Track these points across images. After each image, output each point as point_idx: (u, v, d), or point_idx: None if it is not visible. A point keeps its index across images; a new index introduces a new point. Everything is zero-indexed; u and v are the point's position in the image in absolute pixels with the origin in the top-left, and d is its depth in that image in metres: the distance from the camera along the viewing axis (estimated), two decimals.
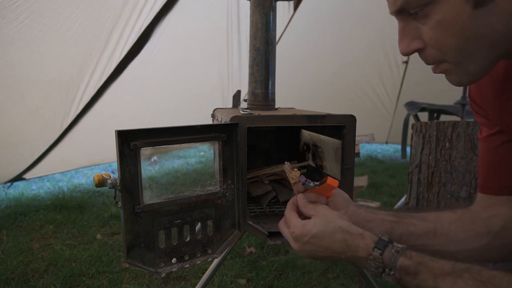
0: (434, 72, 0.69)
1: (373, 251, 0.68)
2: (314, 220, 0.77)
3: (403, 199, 2.58)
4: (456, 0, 0.57)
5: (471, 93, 0.85)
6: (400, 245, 0.68)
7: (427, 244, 0.81)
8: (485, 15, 0.57)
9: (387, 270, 0.66)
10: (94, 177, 0.92)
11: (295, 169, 0.95)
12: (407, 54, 0.67)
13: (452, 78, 0.67)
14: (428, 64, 0.68)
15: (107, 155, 3.36)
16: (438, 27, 0.60)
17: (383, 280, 0.69)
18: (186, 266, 1.09)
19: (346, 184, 1.27)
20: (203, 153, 4.72)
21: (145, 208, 0.99)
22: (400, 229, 0.81)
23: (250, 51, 1.44)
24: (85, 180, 3.59)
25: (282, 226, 0.86)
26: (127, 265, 1.76)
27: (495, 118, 0.80)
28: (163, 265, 1.05)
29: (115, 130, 0.91)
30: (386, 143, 4.74)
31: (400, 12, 0.63)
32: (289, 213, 0.83)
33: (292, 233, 0.80)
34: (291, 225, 0.80)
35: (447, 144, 1.59)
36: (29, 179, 3.15)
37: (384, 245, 0.68)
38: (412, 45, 0.65)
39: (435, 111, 2.71)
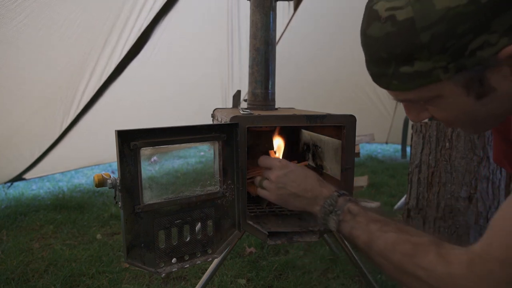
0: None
1: (334, 193, 0.86)
2: (294, 164, 0.98)
3: (403, 199, 2.58)
4: (459, 96, 0.59)
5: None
6: (354, 198, 0.84)
7: None
8: (488, 102, 0.59)
9: (335, 210, 0.82)
10: (94, 177, 0.93)
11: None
12: (418, 122, 0.74)
13: (465, 131, 0.75)
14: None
15: (107, 155, 3.35)
16: (444, 111, 0.64)
17: (327, 223, 0.84)
18: (186, 266, 1.09)
19: (346, 184, 1.27)
20: (203, 153, 4.72)
21: (145, 208, 0.99)
22: None
23: (250, 51, 1.44)
24: (85, 180, 3.59)
25: (264, 159, 1.03)
26: (127, 265, 1.76)
27: None
28: (163, 265, 1.05)
29: (115, 130, 0.91)
30: (386, 143, 4.74)
31: (401, 102, 0.69)
32: (265, 157, 1.03)
33: (279, 161, 0.98)
34: (276, 159, 1.01)
35: (447, 144, 1.59)
36: (29, 179, 3.15)
37: (342, 194, 0.86)
38: (421, 117, 0.69)
39: None
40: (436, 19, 0.53)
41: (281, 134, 1.68)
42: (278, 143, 1.50)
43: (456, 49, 0.54)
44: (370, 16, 0.61)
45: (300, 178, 0.93)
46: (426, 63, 0.57)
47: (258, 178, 1.06)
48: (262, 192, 1.02)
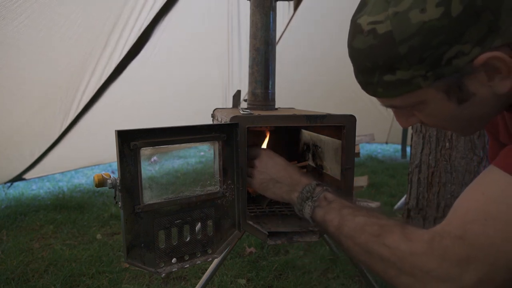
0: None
1: (312, 182, 0.92)
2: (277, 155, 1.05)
3: (403, 199, 2.58)
4: (441, 101, 0.64)
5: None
6: (330, 189, 0.90)
7: None
8: (470, 105, 0.63)
9: (312, 196, 0.88)
10: (94, 177, 0.93)
11: None
12: (407, 127, 0.76)
13: (456, 133, 0.76)
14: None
15: (107, 155, 3.35)
16: (430, 116, 0.68)
17: (303, 209, 0.89)
18: (186, 266, 1.09)
19: (346, 184, 1.27)
20: (203, 153, 4.72)
21: (145, 208, 0.99)
22: None
23: (250, 51, 1.44)
24: (85, 180, 3.59)
25: (251, 149, 1.08)
26: (127, 265, 1.76)
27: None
28: (163, 265, 1.05)
29: (115, 130, 0.91)
30: (386, 143, 4.74)
31: (388, 107, 0.73)
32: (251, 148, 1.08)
33: (265, 150, 1.05)
34: (262, 148, 1.07)
35: (447, 144, 1.59)
36: (29, 179, 3.15)
37: (321, 184, 0.91)
38: (410, 121, 0.73)
39: None
40: (412, 32, 0.58)
41: (272, 134, 1.69)
42: (265, 141, 1.54)
43: (432, 59, 0.58)
44: (355, 30, 0.66)
45: (282, 165, 1.01)
46: (407, 72, 0.61)
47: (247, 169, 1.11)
48: (248, 180, 1.08)
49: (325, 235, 1.76)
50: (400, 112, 0.73)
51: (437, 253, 0.61)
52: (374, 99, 0.74)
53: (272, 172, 1.01)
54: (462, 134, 0.78)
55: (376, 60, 0.62)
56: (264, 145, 1.53)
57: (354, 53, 0.67)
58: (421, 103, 0.65)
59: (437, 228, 0.65)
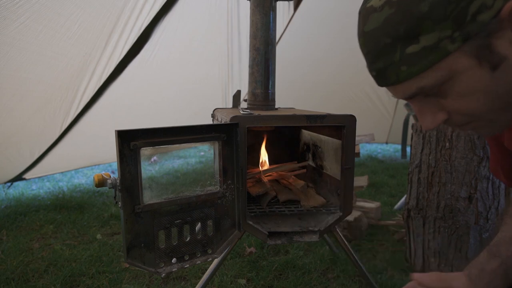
0: (462, 130, 0.69)
1: None
2: None
3: (403, 199, 2.58)
4: (473, 70, 0.57)
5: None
6: None
7: None
8: (504, 73, 0.57)
9: None
10: (94, 177, 0.93)
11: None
12: (433, 128, 0.66)
13: (483, 131, 0.67)
14: (455, 128, 0.68)
15: (107, 155, 3.36)
16: (461, 97, 0.60)
17: None
18: (186, 266, 1.09)
19: (346, 184, 1.28)
20: (203, 153, 4.72)
21: (145, 208, 0.99)
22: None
23: (250, 51, 1.45)
24: (85, 180, 3.59)
25: None
26: (127, 265, 1.76)
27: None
28: (163, 265, 1.05)
29: (115, 130, 0.91)
30: (386, 143, 4.74)
31: (413, 97, 0.63)
32: None
33: None
34: None
35: (447, 144, 1.59)
36: (29, 179, 3.15)
37: None
38: (437, 120, 0.64)
39: None
40: None
41: (273, 134, 1.68)
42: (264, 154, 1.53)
43: (457, 15, 0.54)
44: (367, 13, 0.60)
45: None
46: (432, 35, 0.55)
47: None
48: None
49: (325, 236, 1.77)
50: (425, 108, 0.64)
51: None
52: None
53: None
54: (494, 128, 0.66)
55: (396, 30, 0.57)
56: (263, 146, 1.53)
57: (369, 37, 0.61)
58: (451, 78, 0.58)
59: None
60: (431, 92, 0.61)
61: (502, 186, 1.58)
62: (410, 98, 0.63)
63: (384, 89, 0.67)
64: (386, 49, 0.59)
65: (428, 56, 0.57)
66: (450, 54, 0.56)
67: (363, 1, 0.63)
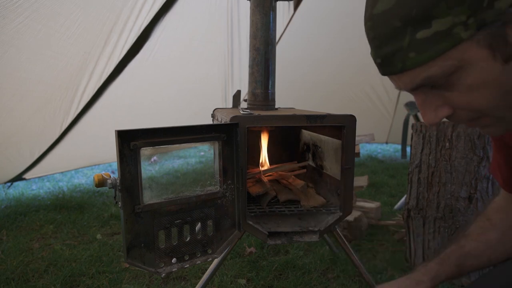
0: (469, 126, 0.65)
1: None
2: None
3: (403, 199, 2.58)
4: (485, 61, 0.54)
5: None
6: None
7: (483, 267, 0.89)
8: None
9: None
10: (94, 177, 0.93)
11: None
12: (436, 123, 0.63)
13: (492, 131, 0.64)
14: (461, 123, 0.65)
15: (107, 155, 3.36)
16: (469, 90, 0.57)
17: None
18: (186, 266, 1.09)
19: (346, 184, 1.28)
20: (203, 153, 4.72)
21: (145, 208, 0.99)
22: (462, 273, 0.88)
23: (250, 51, 1.44)
24: (85, 180, 3.59)
25: None
26: (127, 265, 1.76)
27: None
28: (163, 265, 1.05)
29: (115, 130, 0.91)
30: (386, 143, 4.74)
31: (417, 88, 0.60)
32: None
33: None
34: None
35: (447, 144, 1.59)
36: (29, 179, 3.15)
37: None
38: (440, 114, 0.61)
39: None
40: None
41: (273, 134, 1.68)
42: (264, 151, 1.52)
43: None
44: None
45: None
46: (445, 20, 0.52)
47: None
48: None
49: (325, 236, 1.77)
50: (428, 101, 0.61)
51: None
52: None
53: None
54: (501, 127, 0.62)
55: (408, 12, 0.53)
56: (264, 145, 1.53)
57: (377, 20, 0.57)
58: (460, 69, 0.55)
59: None
60: (437, 83, 0.58)
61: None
62: (414, 89, 0.59)
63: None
64: (395, 33, 0.55)
65: (440, 42, 0.53)
66: (462, 41, 0.52)
67: None
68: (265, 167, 1.64)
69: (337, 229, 1.38)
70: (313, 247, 1.98)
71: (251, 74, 1.46)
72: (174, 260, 1.07)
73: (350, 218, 1.99)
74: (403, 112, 3.29)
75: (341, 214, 1.30)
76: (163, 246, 1.04)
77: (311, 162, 1.69)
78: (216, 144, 1.09)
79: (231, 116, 1.13)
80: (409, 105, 2.88)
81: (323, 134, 1.50)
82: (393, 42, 0.56)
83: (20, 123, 2.38)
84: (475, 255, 0.86)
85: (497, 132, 0.64)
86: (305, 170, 1.69)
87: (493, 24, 0.51)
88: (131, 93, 2.82)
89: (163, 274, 1.04)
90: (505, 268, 0.78)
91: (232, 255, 1.87)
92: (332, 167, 1.43)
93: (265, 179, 1.56)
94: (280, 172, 1.65)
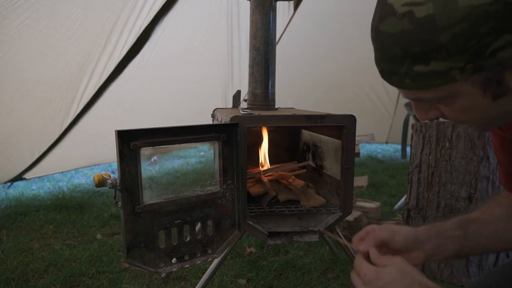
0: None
1: None
2: (390, 268, 0.68)
3: (403, 199, 2.58)
4: (475, 95, 0.57)
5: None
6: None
7: (494, 247, 0.83)
8: (504, 102, 0.57)
9: None
10: (94, 177, 0.93)
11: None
12: (425, 120, 0.69)
13: (474, 130, 0.71)
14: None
15: (107, 155, 3.36)
16: (458, 112, 0.62)
17: None
18: (186, 266, 1.09)
19: (346, 184, 1.28)
20: (203, 153, 4.72)
21: (145, 208, 0.99)
22: (469, 243, 0.80)
23: (250, 51, 1.45)
24: (85, 180, 3.59)
25: (352, 275, 0.76)
26: (127, 265, 1.76)
27: None
28: (163, 265, 1.05)
29: (115, 130, 0.91)
30: (386, 143, 4.74)
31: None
32: (360, 261, 0.73)
33: (364, 276, 0.70)
34: (363, 270, 0.71)
35: (447, 144, 1.59)
36: (29, 179, 3.15)
37: None
38: (430, 115, 0.66)
39: None
40: (459, 17, 0.50)
41: (272, 134, 1.68)
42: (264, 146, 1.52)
43: (476, 50, 0.52)
44: (384, 11, 0.57)
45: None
46: (443, 63, 0.54)
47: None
48: None
49: (325, 236, 1.77)
50: (421, 105, 0.66)
51: None
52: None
53: None
54: (482, 130, 0.71)
55: (409, 47, 0.55)
56: (265, 145, 1.52)
57: (381, 37, 0.58)
58: (451, 97, 0.59)
59: None
60: (430, 102, 0.63)
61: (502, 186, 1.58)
62: (409, 99, 0.65)
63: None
64: (395, 58, 0.58)
65: (435, 79, 0.56)
66: (456, 81, 0.55)
67: None
68: (265, 167, 1.64)
69: (337, 229, 1.38)
70: (313, 247, 1.98)
71: (251, 74, 1.46)
72: (174, 260, 1.07)
73: (350, 218, 1.99)
74: (403, 112, 3.29)
75: (341, 214, 1.30)
76: (163, 246, 1.04)
77: (311, 162, 1.69)
78: (216, 144, 1.09)
79: (231, 116, 1.13)
80: (409, 105, 2.88)
81: (323, 134, 1.50)
82: (392, 64, 0.59)
83: (20, 123, 2.38)
84: (481, 222, 0.81)
85: (480, 132, 0.71)
86: (305, 170, 1.69)
87: (491, 69, 0.53)
88: (131, 93, 2.82)
89: (163, 274, 1.04)
90: (505, 268, 0.77)
91: (232, 255, 1.87)
92: (332, 167, 1.43)
93: (265, 179, 1.56)
94: (280, 172, 1.65)
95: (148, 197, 1.00)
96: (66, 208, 2.65)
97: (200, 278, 1.46)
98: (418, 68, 0.56)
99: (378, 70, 0.64)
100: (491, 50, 0.51)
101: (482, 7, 0.49)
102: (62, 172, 3.62)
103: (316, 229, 1.24)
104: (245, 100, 1.54)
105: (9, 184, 3.09)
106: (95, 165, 3.79)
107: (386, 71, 0.61)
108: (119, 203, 0.95)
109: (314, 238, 1.24)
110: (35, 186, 3.30)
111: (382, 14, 0.58)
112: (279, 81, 1.61)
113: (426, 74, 0.56)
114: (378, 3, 0.60)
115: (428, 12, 0.52)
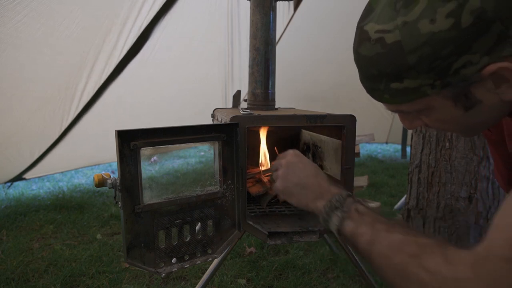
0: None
1: (343, 192, 0.82)
2: (284, 154, 0.95)
3: (403, 199, 2.58)
4: (448, 107, 0.64)
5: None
6: (362, 201, 0.82)
7: None
8: (476, 113, 0.64)
9: (342, 206, 0.78)
10: (94, 177, 0.93)
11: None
12: (412, 129, 0.79)
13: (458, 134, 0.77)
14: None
15: (107, 155, 3.36)
16: (437, 122, 0.69)
17: (329, 220, 0.79)
18: (186, 266, 1.09)
19: (346, 184, 1.27)
20: (203, 153, 4.72)
21: (145, 208, 0.99)
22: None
23: (250, 51, 1.44)
24: (85, 180, 3.59)
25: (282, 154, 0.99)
26: (127, 265, 1.76)
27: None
28: (163, 265, 1.05)
29: (115, 130, 0.91)
30: (386, 143, 4.74)
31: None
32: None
33: (294, 151, 0.94)
34: (292, 150, 0.96)
35: (447, 144, 1.59)
36: (29, 179, 3.14)
37: (351, 194, 0.82)
38: (415, 124, 0.74)
39: None
40: (421, 42, 0.58)
41: (272, 134, 1.68)
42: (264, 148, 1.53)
43: (441, 69, 0.59)
44: (361, 36, 0.65)
45: (311, 171, 0.89)
46: (415, 81, 0.61)
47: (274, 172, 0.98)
48: (273, 185, 0.97)
49: (325, 236, 1.77)
50: (406, 116, 0.74)
51: (483, 278, 0.54)
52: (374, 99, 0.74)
53: (299, 177, 0.89)
54: (464, 136, 0.79)
55: (383, 68, 0.63)
56: (263, 144, 1.52)
57: (360, 59, 0.67)
58: (428, 109, 0.66)
59: (479, 250, 0.57)
60: (410, 114, 0.71)
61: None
62: (392, 112, 0.73)
63: None
64: (373, 77, 0.66)
65: (409, 94, 0.64)
66: (428, 96, 0.63)
67: (362, 15, 0.67)
68: (265, 167, 1.63)
69: None
70: (313, 247, 1.98)
71: (251, 74, 1.45)
72: (174, 260, 1.07)
73: None
74: None
75: None
76: (163, 246, 1.04)
77: None
78: (216, 144, 1.09)
79: (231, 116, 1.13)
80: None
81: (323, 134, 1.50)
82: (372, 82, 0.68)
83: (20, 123, 2.37)
84: None
85: (461, 136, 0.78)
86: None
87: (458, 84, 0.60)
88: (131, 93, 2.82)
89: (163, 274, 1.04)
90: None
91: (232, 255, 1.87)
92: (332, 167, 1.43)
93: (265, 179, 1.55)
94: None
95: (148, 197, 1.00)
96: (66, 208, 2.65)
97: (200, 278, 1.46)
98: (394, 85, 0.64)
99: (363, 86, 0.72)
100: (454, 68, 0.59)
101: (441, 34, 0.57)
102: (62, 172, 3.62)
103: (316, 229, 1.24)
104: (245, 100, 1.54)
105: (9, 184, 3.09)
106: (95, 165, 3.79)
107: (368, 88, 0.70)
108: (119, 203, 0.95)
109: (314, 238, 1.24)
110: (35, 186, 3.30)
111: (360, 39, 0.66)
112: (279, 81, 1.61)
113: (401, 90, 0.64)
114: (357, 28, 0.68)
115: (395, 39, 0.60)
